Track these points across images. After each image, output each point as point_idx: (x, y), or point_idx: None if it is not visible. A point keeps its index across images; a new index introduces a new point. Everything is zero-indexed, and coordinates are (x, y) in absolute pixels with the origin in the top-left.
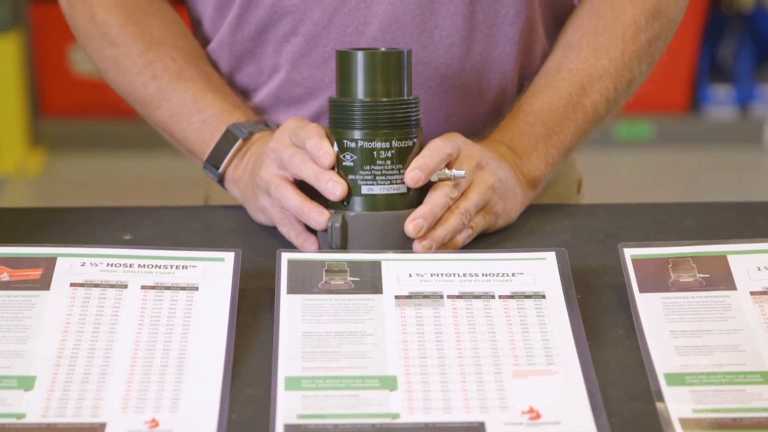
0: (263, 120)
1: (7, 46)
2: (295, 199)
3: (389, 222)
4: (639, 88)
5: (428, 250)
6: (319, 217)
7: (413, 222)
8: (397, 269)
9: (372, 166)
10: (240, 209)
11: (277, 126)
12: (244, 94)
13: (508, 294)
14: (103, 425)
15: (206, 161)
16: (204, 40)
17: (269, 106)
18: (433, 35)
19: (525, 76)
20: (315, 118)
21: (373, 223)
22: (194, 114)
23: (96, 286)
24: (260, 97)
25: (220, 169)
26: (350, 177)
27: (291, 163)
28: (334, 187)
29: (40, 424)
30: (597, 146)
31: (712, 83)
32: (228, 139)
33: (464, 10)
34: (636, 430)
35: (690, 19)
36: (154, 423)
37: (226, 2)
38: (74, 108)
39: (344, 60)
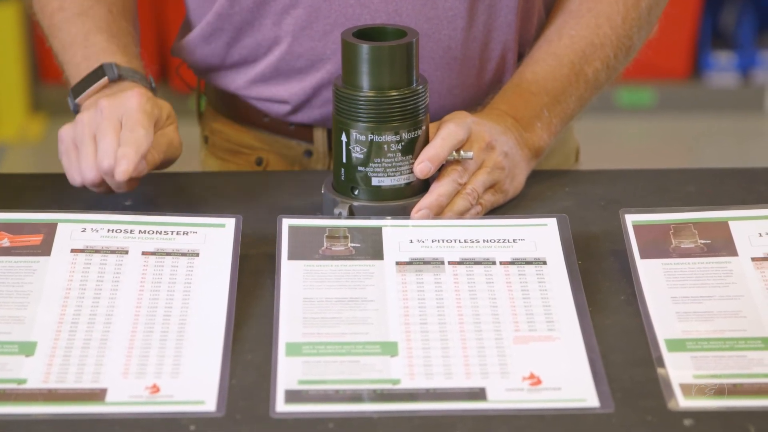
0: (147, 76)
1: (7, 12)
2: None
3: (396, 212)
4: (640, 54)
5: (426, 218)
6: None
7: (419, 213)
8: (398, 235)
9: (382, 159)
10: (241, 175)
11: (154, 88)
12: (242, 65)
13: (509, 260)
14: (104, 391)
15: (71, 89)
16: (199, 12)
17: (269, 77)
18: (436, 6)
19: (523, 45)
20: (316, 90)
21: (380, 213)
22: (80, 49)
23: (97, 252)
24: (260, 68)
25: (77, 99)
26: (360, 169)
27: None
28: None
29: (41, 389)
30: (599, 113)
31: (714, 50)
32: (97, 74)
33: None
34: (637, 396)
35: None
36: (155, 388)
37: None
38: None
39: (350, 51)
